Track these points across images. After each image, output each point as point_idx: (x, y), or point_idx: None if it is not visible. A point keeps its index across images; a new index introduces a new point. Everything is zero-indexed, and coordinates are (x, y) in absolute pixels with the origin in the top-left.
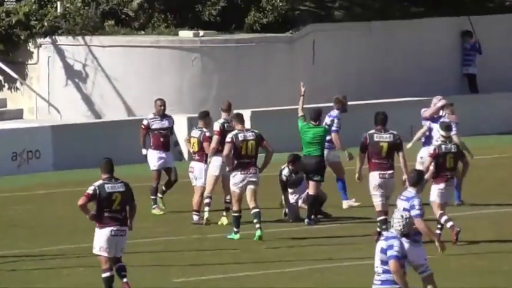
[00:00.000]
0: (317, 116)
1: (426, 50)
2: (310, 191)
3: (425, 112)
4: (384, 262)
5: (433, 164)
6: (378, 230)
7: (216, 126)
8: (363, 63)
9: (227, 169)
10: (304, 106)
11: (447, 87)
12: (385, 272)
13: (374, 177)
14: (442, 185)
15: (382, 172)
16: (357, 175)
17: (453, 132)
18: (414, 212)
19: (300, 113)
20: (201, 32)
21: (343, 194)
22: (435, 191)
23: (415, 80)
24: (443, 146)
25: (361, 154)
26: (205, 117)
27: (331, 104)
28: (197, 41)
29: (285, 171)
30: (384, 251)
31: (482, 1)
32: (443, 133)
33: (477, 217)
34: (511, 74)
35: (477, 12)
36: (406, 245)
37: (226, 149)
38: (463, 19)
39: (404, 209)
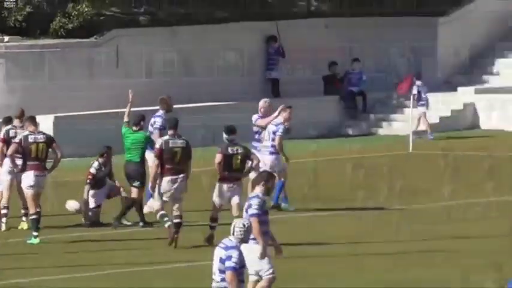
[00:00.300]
0: (138, 121)
1: (232, 54)
2: (133, 194)
3: (261, 122)
4: (222, 271)
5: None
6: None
7: (1, 133)
8: (167, 68)
9: (15, 170)
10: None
11: (251, 92)
12: (223, 280)
13: (166, 182)
14: (225, 186)
15: (174, 177)
16: (150, 184)
17: (278, 133)
18: (250, 211)
19: (126, 119)
20: (6, 38)
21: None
22: (216, 191)
23: (220, 84)
24: (229, 148)
25: (157, 161)
26: (7, 123)
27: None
28: (2, 47)
29: (95, 165)
30: (222, 261)
31: (288, 6)
32: (226, 136)
33: (284, 221)
34: (314, 78)
35: (283, 17)
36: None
37: (10, 149)
38: (269, 24)
39: (245, 210)
